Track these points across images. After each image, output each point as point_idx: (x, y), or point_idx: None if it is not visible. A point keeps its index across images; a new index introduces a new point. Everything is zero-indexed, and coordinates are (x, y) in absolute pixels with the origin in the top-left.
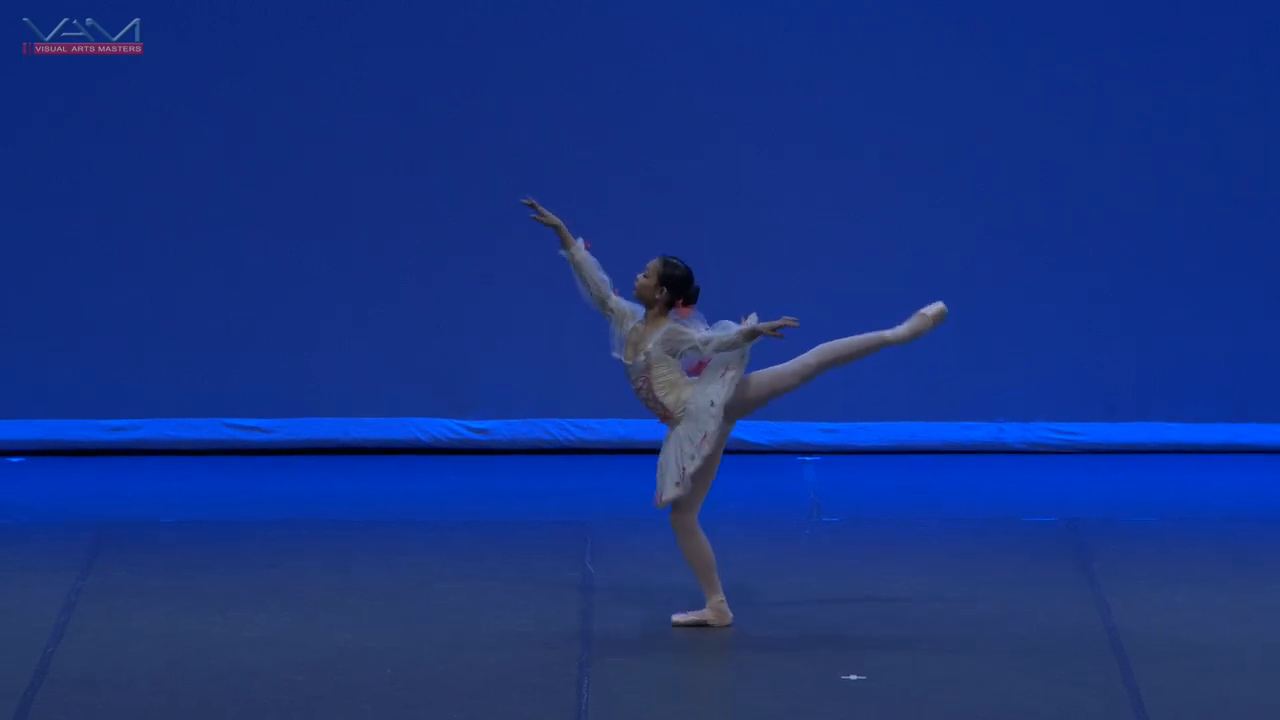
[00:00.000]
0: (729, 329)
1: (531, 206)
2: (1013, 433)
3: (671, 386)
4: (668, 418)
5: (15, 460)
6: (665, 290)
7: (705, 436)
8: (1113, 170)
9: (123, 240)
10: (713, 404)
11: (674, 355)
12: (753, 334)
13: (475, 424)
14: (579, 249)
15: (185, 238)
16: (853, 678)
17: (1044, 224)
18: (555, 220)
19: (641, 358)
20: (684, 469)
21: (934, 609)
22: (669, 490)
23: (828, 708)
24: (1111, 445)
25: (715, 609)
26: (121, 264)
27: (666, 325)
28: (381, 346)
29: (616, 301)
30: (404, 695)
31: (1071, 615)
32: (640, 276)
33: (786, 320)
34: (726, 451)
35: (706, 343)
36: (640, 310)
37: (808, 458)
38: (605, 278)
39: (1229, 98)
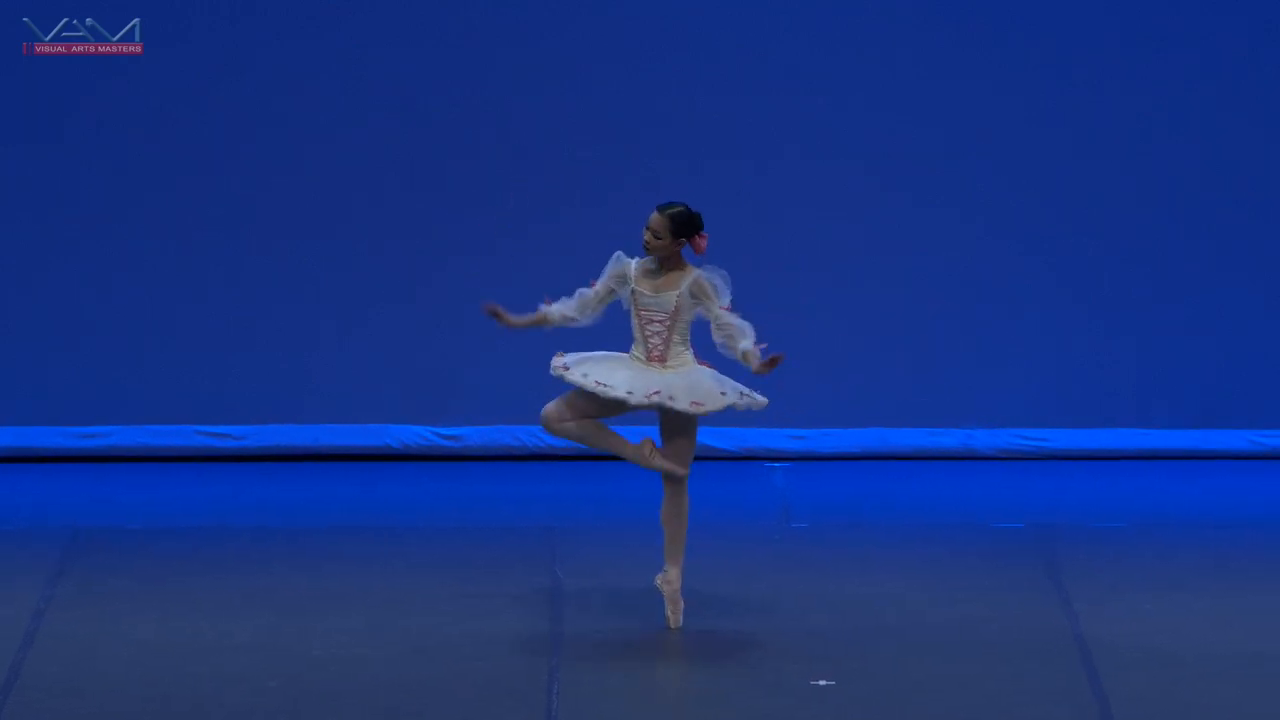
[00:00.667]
0: (744, 333)
1: (495, 315)
2: (981, 439)
3: (682, 340)
4: (661, 361)
5: None
6: (680, 238)
7: (707, 406)
8: (1086, 179)
9: (95, 246)
10: (723, 394)
11: (695, 302)
12: (743, 358)
13: (446, 430)
14: (554, 313)
15: (156, 243)
16: (822, 683)
17: (1016, 233)
18: (523, 321)
19: (674, 296)
20: (696, 404)
21: (903, 615)
22: (719, 400)
23: (798, 713)
24: (1080, 451)
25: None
26: (95, 270)
27: (693, 274)
28: (353, 353)
29: (603, 285)
30: (375, 701)
31: (1040, 622)
32: (649, 237)
33: (776, 358)
34: (696, 458)
35: (720, 319)
36: (626, 259)
37: (776, 464)
38: (585, 293)
39: (1213, 101)
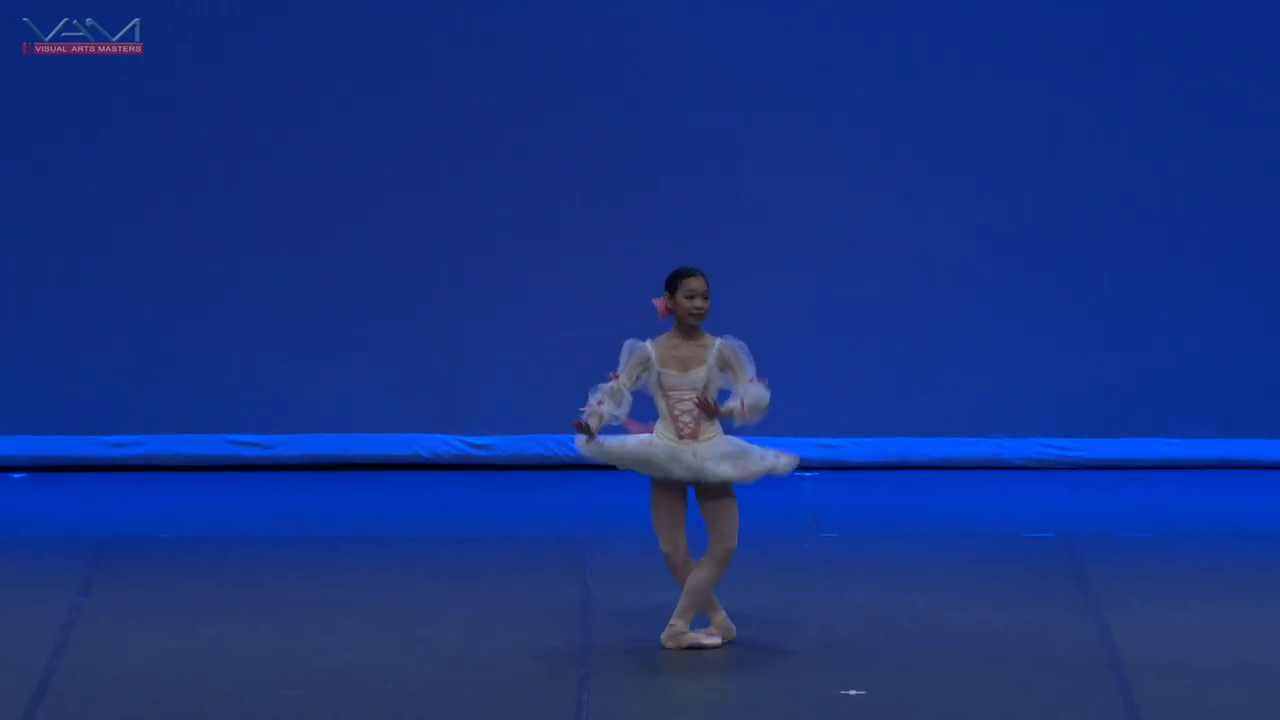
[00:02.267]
0: (749, 395)
1: (584, 429)
2: (1010, 448)
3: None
4: (693, 438)
5: (16, 476)
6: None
7: (752, 472)
8: (1108, 186)
9: (126, 255)
10: (763, 459)
11: (723, 374)
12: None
13: (476, 440)
14: (605, 414)
15: (187, 253)
16: (852, 693)
17: (1041, 241)
18: (597, 428)
19: (703, 371)
20: (764, 460)
21: (933, 624)
22: (769, 461)
23: None
24: (1108, 461)
25: (721, 625)
26: (123, 279)
27: (715, 344)
28: (383, 363)
29: (627, 377)
30: (403, 711)
31: (1070, 631)
32: (702, 302)
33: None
34: None
35: (747, 385)
36: (640, 344)
37: (807, 473)
38: (614, 388)
39: (1220, 110)
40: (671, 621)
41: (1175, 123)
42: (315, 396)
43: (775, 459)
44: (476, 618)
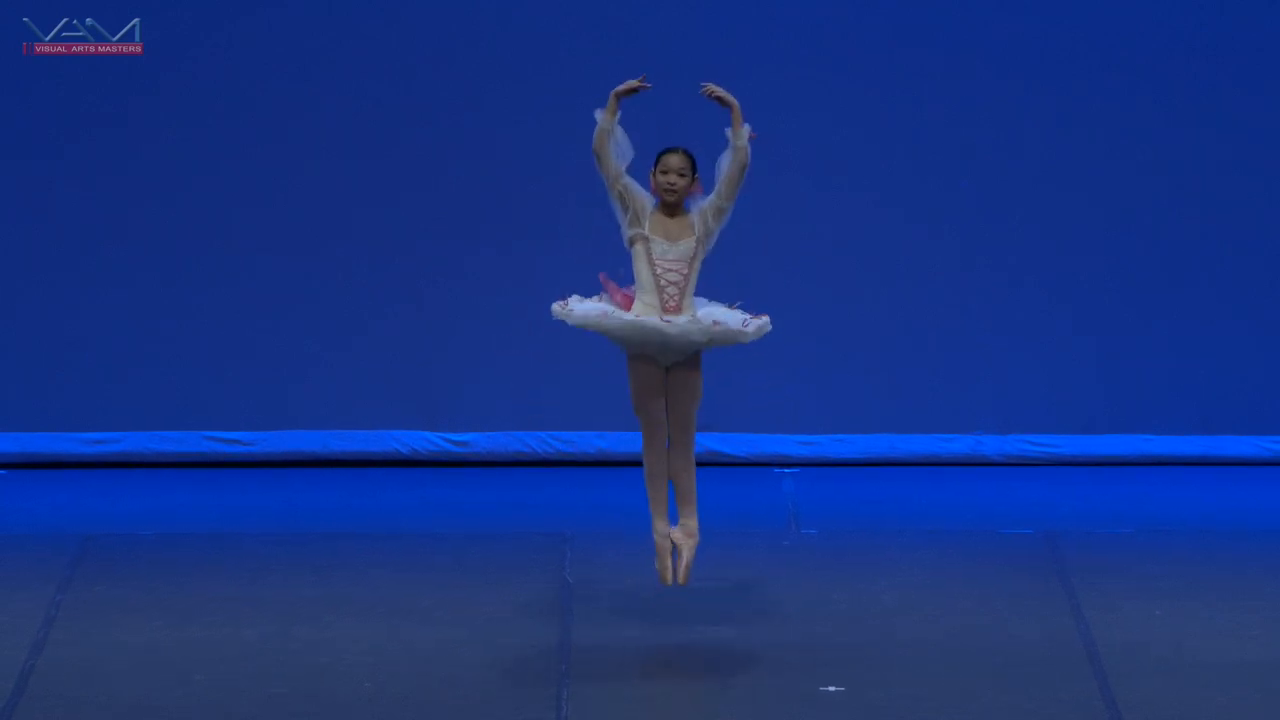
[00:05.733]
0: (731, 136)
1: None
2: (990, 445)
3: (693, 287)
4: (677, 312)
5: None
6: (695, 175)
7: (743, 331)
8: (1086, 184)
9: (104, 252)
10: (746, 322)
11: (706, 224)
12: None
13: (454, 436)
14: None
15: (167, 250)
16: (831, 689)
17: (1021, 238)
18: (633, 87)
19: (693, 240)
20: (746, 321)
21: (912, 621)
22: (740, 325)
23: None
24: (1089, 457)
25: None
26: (103, 275)
27: (691, 213)
28: (361, 359)
29: (629, 181)
30: (383, 709)
31: (1050, 628)
32: (674, 179)
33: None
34: (701, 464)
35: (724, 185)
36: (647, 197)
37: (786, 470)
38: (628, 154)
39: (1196, 110)
40: (683, 521)
41: (1153, 121)
42: (295, 393)
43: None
44: (456, 615)
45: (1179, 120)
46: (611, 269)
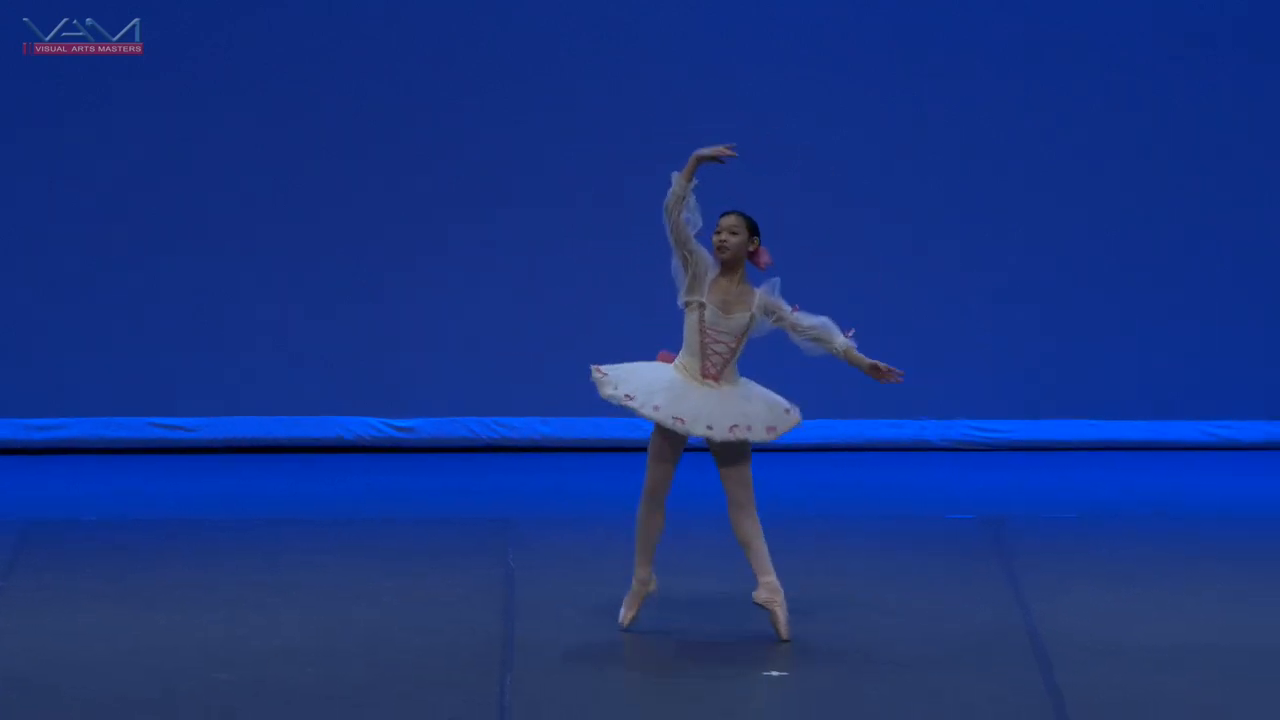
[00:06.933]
0: (829, 329)
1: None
2: (934, 430)
3: (738, 359)
4: (715, 380)
5: None
6: (754, 237)
7: (777, 430)
8: (1033, 170)
9: (49, 243)
10: (788, 411)
11: (767, 319)
12: (846, 356)
13: (399, 422)
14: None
15: (114, 241)
16: (774, 674)
17: (968, 225)
18: (718, 154)
19: (747, 316)
20: (771, 429)
21: (856, 606)
22: (763, 433)
23: (750, 705)
24: (1033, 443)
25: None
26: (47, 263)
27: (757, 293)
28: (305, 345)
29: (696, 245)
30: (326, 694)
31: (992, 613)
32: (729, 236)
33: (894, 371)
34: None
35: (799, 324)
36: (712, 262)
37: None
38: (697, 223)
39: (1153, 100)
40: (764, 580)
41: (1107, 111)
42: (238, 379)
43: (798, 413)
44: (399, 601)
45: (1131, 111)
46: (561, 263)
